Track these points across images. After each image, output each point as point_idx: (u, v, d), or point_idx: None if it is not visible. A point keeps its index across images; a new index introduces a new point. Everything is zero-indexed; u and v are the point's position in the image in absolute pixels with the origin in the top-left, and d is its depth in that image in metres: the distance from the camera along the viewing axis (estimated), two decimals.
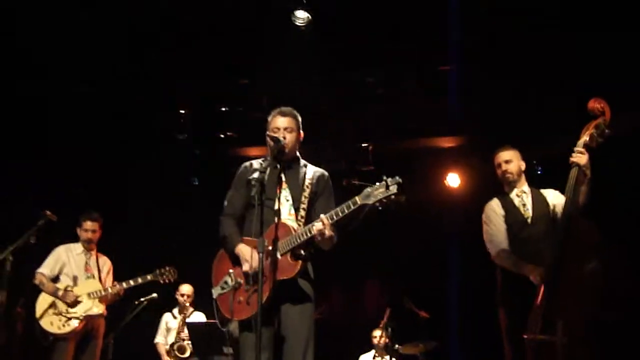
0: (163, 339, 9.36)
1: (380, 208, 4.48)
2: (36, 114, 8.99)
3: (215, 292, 4.96)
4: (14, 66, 8.34)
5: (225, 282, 4.90)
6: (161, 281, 7.85)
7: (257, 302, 4.40)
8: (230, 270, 4.89)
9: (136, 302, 8.35)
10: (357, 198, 4.54)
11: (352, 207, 4.56)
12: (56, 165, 9.52)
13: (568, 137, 5.67)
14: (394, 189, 4.41)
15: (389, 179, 4.43)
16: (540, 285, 5.24)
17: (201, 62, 8.53)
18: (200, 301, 9.23)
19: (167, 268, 7.85)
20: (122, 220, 9.76)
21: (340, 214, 4.60)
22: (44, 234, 7.29)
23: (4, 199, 8.98)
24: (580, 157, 5.35)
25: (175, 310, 9.49)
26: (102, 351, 7.83)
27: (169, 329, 9.38)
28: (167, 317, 9.47)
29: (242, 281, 4.81)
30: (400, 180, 4.41)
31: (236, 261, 4.89)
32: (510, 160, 6.04)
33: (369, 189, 4.51)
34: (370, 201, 4.47)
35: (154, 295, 8.46)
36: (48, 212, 7.24)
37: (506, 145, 6.15)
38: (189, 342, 8.88)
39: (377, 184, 4.48)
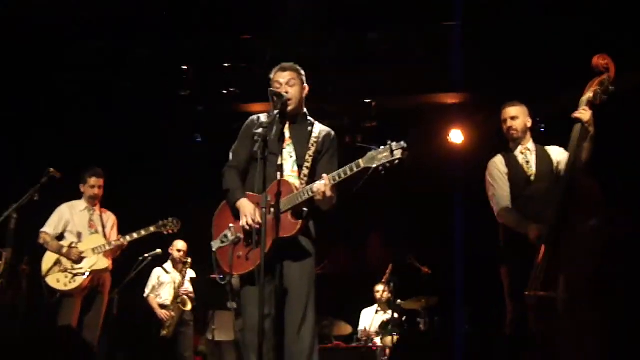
0: (154, 293, 9.47)
1: (383, 172, 4.48)
2: (37, 69, 8.96)
3: (215, 245, 4.96)
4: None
5: (225, 236, 4.91)
6: (164, 232, 7.84)
7: (260, 257, 4.42)
8: (231, 225, 4.90)
9: (140, 258, 8.41)
10: (360, 161, 4.53)
11: (355, 170, 4.55)
12: (59, 122, 9.52)
13: (572, 94, 5.64)
14: (398, 153, 4.38)
15: (394, 144, 4.40)
16: (538, 242, 5.25)
17: (204, 17, 8.48)
18: (198, 256, 9.31)
19: (170, 219, 7.83)
20: (126, 176, 9.80)
21: (343, 176, 4.59)
22: (48, 191, 7.33)
23: (8, 157, 9.00)
24: (583, 113, 5.32)
25: (167, 265, 9.62)
26: (107, 306, 7.87)
27: (162, 283, 9.52)
28: (158, 272, 9.59)
29: (242, 236, 4.83)
30: (405, 145, 4.38)
31: (237, 215, 4.89)
32: (517, 117, 6.00)
33: (373, 153, 4.47)
34: (374, 165, 4.45)
35: (158, 251, 8.55)
36: (52, 169, 7.24)
37: (514, 101, 6.09)
38: (189, 296, 9.06)
39: (382, 147, 4.45)
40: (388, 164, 4.42)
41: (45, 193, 7.32)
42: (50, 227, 7.70)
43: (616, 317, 5.03)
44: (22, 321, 7.59)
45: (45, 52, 8.75)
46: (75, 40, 8.72)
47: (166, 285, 9.48)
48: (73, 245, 7.56)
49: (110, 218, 8.02)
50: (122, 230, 7.93)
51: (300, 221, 4.71)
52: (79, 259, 7.46)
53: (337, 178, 4.61)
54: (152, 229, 7.76)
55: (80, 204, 7.85)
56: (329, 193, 4.60)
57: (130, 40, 8.91)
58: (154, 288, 9.50)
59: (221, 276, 4.97)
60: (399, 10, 8.11)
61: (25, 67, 8.81)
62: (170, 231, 7.87)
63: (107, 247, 7.57)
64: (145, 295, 9.49)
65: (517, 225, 5.68)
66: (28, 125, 9.34)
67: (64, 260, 7.51)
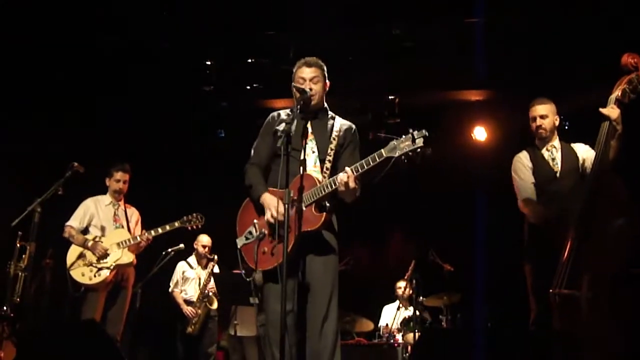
0: (179, 288, 9.47)
1: (405, 161, 4.47)
2: (60, 63, 8.99)
3: (240, 242, 4.99)
4: None
5: (250, 233, 4.93)
6: (189, 227, 7.90)
7: (283, 252, 4.43)
8: (255, 221, 4.92)
9: (164, 253, 8.44)
10: (382, 151, 4.54)
11: (378, 160, 4.56)
12: (82, 117, 9.56)
13: (599, 92, 5.60)
14: (420, 142, 4.39)
15: (416, 132, 4.41)
16: (564, 237, 5.22)
17: (228, 13, 8.48)
18: (221, 252, 9.33)
19: (194, 214, 7.90)
20: (149, 172, 9.83)
21: (365, 166, 4.60)
22: (72, 185, 7.37)
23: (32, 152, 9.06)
24: (611, 111, 5.29)
25: (192, 260, 9.60)
26: (130, 300, 7.89)
27: (186, 278, 9.50)
28: (183, 267, 9.56)
29: (266, 232, 4.84)
30: (427, 133, 4.40)
31: (261, 211, 4.92)
32: (546, 116, 5.94)
33: (395, 142, 4.50)
34: (396, 154, 4.46)
35: (181, 246, 8.57)
36: (75, 164, 7.27)
37: (542, 98, 6.03)
38: (215, 293, 9.05)
39: (404, 136, 4.47)
40: (410, 153, 4.44)
41: (69, 187, 7.36)
42: (75, 221, 7.76)
43: None
44: (46, 315, 7.65)
45: (70, 45, 8.77)
46: (98, 34, 8.74)
47: (190, 280, 9.47)
48: (97, 239, 7.61)
49: (134, 213, 8.08)
50: (145, 226, 7.97)
51: (323, 214, 4.72)
52: (104, 255, 7.52)
53: (359, 169, 4.62)
54: (176, 224, 7.82)
55: (105, 199, 7.92)
56: (352, 184, 4.60)
57: (154, 36, 8.92)
58: (178, 283, 9.50)
59: (243, 272, 4.98)
60: (423, 6, 8.08)
61: (48, 59, 8.83)
62: (195, 226, 7.93)
63: (132, 242, 7.62)
64: (170, 290, 9.50)
65: (528, 208, 5.70)
66: (52, 119, 9.37)
67: (88, 253, 7.56)
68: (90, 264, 7.52)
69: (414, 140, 4.40)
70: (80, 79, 9.19)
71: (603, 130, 5.30)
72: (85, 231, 7.75)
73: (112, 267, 7.52)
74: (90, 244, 7.57)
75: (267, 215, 4.78)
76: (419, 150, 4.41)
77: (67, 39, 8.65)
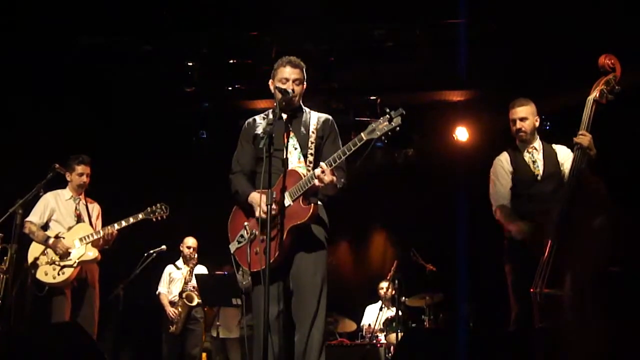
0: (166, 290, 9.46)
1: (386, 141, 4.57)
2: (41, 64, 8.96)
3: (233, 247, 5.00)
4: None
5: (241, 236, 4.94)
6: (153, 219, 7.50)
7: (266, 256, 4.45)
8: (245, 224, 4.93)
9: (146, 254, 8.41)
10: (362, 134, 4.60)
11: (359, 144, 4.61)
12: (64, 118, 9.52)
13: (578, 93, 5.63)
14: (397, 120, 4.46)
15: (392, 112, 4.46)
16: (527, 240, 5.28)
17: (209, 14, 8.48)
18: (203, 254, 9.34)
19: (159, 205, 7.55)
20: (132, 173, 9.80)
21: (347, 152, 4.66)
22: (53, 187, 7.33)
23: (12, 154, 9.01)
24: (582, 139, 5.29)
25: (179, 262, 9.60)
26: (111, 302, 7.83)
27: (172, 279, 9.50)
28: (170, 269, 9.60)
29: (257, 232, 4.83)
30: (404, 111, 4.46)
31: (250, 213, 4.94)
32: (526, 118, 5.92)
33: (373, 124, 4.56)
34: (376, 135, 4.54)
35: (163, 247, 8.54)
36: (57, 165, 7.20)
37: (522, 99, 6.01)
38: (196, 292, 9.02)
39: (381, 118, 4.52)
40: (390, 132, 4.49)
41: (50, 189, 7.33)
42: (35, 216, 7.42)
43: (622, 315, 5.01)
44: (28, 317, 7.56)
45: (51, 44, 8.73)
46: (80, 34, 8.71)
47: (176, 281, 9.46)
48: (60, 234, 7.35)
49: (95, 207, 7.77)
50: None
51: (312, 206, 4.74)
52: (66, 254, 7.23)
53: (337, 159, 4.68)
54: (140, 216, 7.46)
55: (66, 193, 7.59)
56: (327, 178, 4.63)
57: (136, 36, 8.89)
58: (164, 284, 9.52)
59: (226, 272, 4.98)
60: (405, 6, 8.10)
61: (29, 57, 8.78)
62: (159, 217, 7.52)
63: (96, 237, 7.31)
64: (157, 292, 9.50)
65: (505, 221, 5.71)
66: (33, 119, 9.32)
67: (50, 251, 7.26)
68: (53, 262, 7.22)
69: (391, 119, 4.47)
70: (62, 79, 9.14)
71: (576, 156, 5.31)
72: (45, 226, 7.46)
73: (75, 265, 7.22)
74: (51, 241, 7.26)
75: (257, 212, 4.74)
76: (397, 128, 4.47)
77: (47, 38, 8.60)
